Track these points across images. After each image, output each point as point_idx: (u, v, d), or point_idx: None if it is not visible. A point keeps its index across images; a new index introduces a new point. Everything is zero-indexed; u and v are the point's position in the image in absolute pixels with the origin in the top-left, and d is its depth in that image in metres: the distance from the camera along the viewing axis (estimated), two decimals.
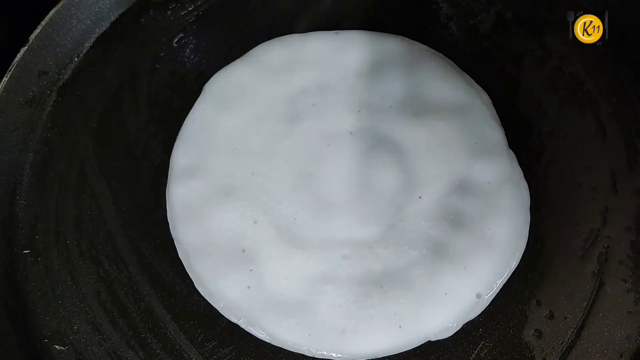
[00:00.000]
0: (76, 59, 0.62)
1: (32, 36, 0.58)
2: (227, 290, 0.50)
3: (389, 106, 0.56)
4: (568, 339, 0.49)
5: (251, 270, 0.50)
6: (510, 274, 0.50)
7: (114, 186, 0.56)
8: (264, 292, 0.50)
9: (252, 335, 0.49)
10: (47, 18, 0.59)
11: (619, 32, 0.58)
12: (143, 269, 0.53)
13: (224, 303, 0.50)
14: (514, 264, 0.51)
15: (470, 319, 0.49)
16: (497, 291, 0.50)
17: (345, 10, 0.63)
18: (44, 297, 0.52)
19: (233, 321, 0.50)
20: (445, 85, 0.57)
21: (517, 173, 0.53)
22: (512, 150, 0.55)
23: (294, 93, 0.57)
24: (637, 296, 0.50)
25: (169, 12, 0.64)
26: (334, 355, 0.48)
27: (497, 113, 0.56)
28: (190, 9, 0.64)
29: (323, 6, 0.63)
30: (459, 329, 0.49)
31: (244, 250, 0.51)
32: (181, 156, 0.56)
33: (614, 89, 0.58)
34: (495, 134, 0.55)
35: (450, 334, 0.49)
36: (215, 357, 0.50)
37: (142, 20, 0.63)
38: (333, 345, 0.48)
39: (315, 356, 0.49)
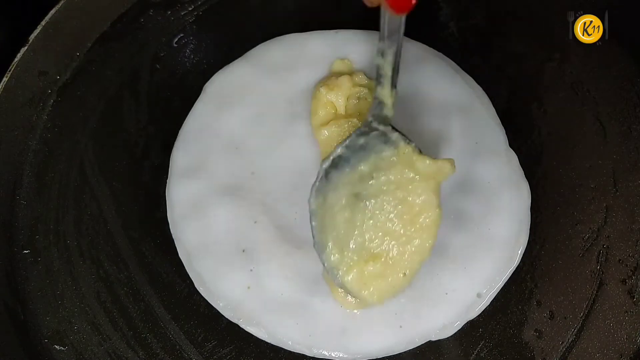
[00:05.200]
0: (76, 59, 0.62)
1: (32, 36, 0.58)
2: (227, 290, 0.50)
3: None
4: (568, 339, 0.49)
5: (251, 270, 0.50)
6: (510, 274, 0.50)
7: (114, 186, 0.56)
8: (264, 292, 0.50)
9: (252, 335, 0.49)
10: (47, 18, 0.59)
11: (619, 32, 0.58)
12: (143, 269, 0.53)
13: (223, 303, 0.50)
14: (514, 264, 0.51)
15: (471, 319, 0.49)
16: (498, 291, 0.50)
17: (345, 10, 0.63)
18: (44, 297, 0.52)
19: (233, 321, 0.50)
20: (445, 85, 0.57)
21: (518, 173, 0.53)
22: (513, 150, 0.55)
23: (294, 92, 0.57)
24: (637, 296, 0.50)
25: (169, 12, 0.64)
26: (334, 355, 0.48)
27: (497, 113, 0.56)
28: (190, 9, 0.64)
29: (323, 6, 0.63)
30: (459, 328, 0.49)
31: (244, 250, 0.51)
32: (181, 156, 0.56)
33: (614, 89, 0.58)
34: (496, 134, 0.55)
35: (451, 334, 0.49)
36: (215, 357, 0.50)
37: (142, 20, 0.63)
38: (333, 345, 0.48)
39: (316, 356, 0.49)
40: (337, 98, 0.54)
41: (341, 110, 0.54)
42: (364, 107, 0.55)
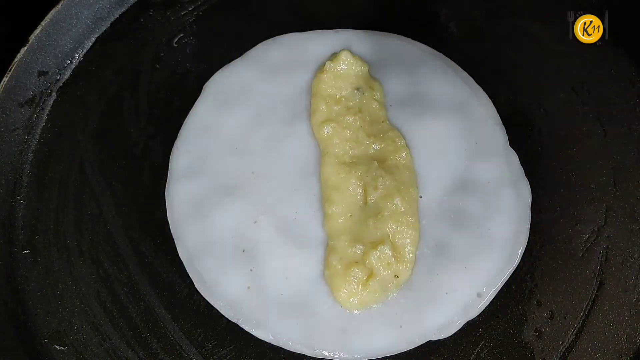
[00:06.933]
0: (76, 59, 0.62)
1: (32, 36, 0.58)
2: (227, 290, 0.50)
3: (389, 105, 0.56)
4: (568, 339, 0.49)
5: (251, 270, 0.50)
6: (510, 274, 0.50)
7: (114, 186, 0.56)
8: (264, 292, 0.50)
9: (252, 335, 0.49)
10: (47, 18, 0.59)
11: (619, 32, 0.58)
12: (143, 269, 0.53)
13: (224, 303, 0.50)
14: (514, 264, 0.51)
15: (471, 319, 0.49)
16: (498, 291, 0.50)
17: (345, 10, 0.63)
18: (44, 297, 0.52)
19: (233, 321, 0.50)
20: (446, 85, 0.57)
21: (518, 172, 0.53)
22: (513, 150, 0.55)
23: (294, 92, 0.57)
24: (637, 296, 0.50)
25: (169, 12, 0.64)
26: (334, 355, 0.48)
27: (497, 113, 0.56)
28: (190, 9, 0.64)
29: (323, 5, 0.63)
30: (459, 328, 0.49)
31: (244, 250, 0.51)
32: (181, 156, 0.56)
33: (614, 89, 0.58)
34: (496, 134, 0.55)
35: (451, 334, 0.49)
36: (215, 357, 0.50)
37: (142, 20, 0.63)
38: (334, 345, 0.48)
39: (316, 356, 0.49)
40: (338, 89, 0.54)
41: (342, 104, 0.54)
42: (365, 104, 0.55)
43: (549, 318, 0.50)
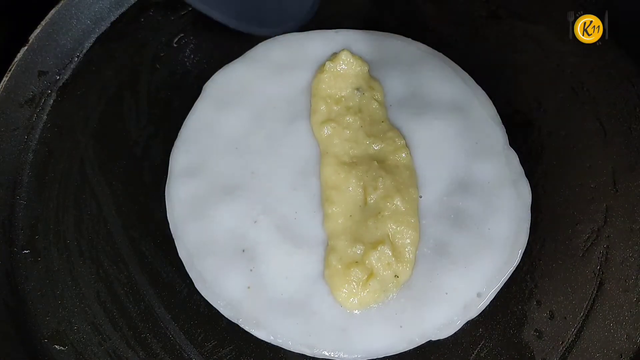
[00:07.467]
0: (76, 59, 0.62)
1: (32, 36, 0.59)
2: (227, 290, 0.50)
3: (389, 105, 0.56)
4: (568, 339, 0.49)
5: (251, 270, 0.50)
6: (510, 274, 0.50)
7: (114, 186, 0.56)
8: (264, 291, 0.50)
9: (252, 335, 0.49)
10: (47, 18, 0.59)
11: (619, 32, 0.58)
12: (143, 269, 0.53)
13: (224, 303, 0.50)
14: (514, 264, 0.51)
15: (471, 318, 0.49)
16: (498, 290, 0.50)
17: (345, 10, 0.63)
18: (44, 297, 0.52)
19: (233, 321, 0.50)
20: (445, 85, 0.57)
21: (518, 172, 0.53)
22: (513, 150, 0.55)
23: (294, 92, 0.57)
24: (637, 296, 0.50)
25: (169, 12, 0.64)
26: (334, 355, 0.48)
27: (497, 113, 0.56)
28: (190, 9, 0.64)
29: (323, 5, 0.63)
30: (459, 328, 0.49)
31: (244, 250, 0.51)
32: (181, 156, 0.56)
33: (614, 89, 0.58)
34: (496, 134, 0.55)
35: (451, 333, 0.49)
36: (215, 357, 0.50)
37: (142, 20, 0.63)
38: (334, 344, 0.48)
39: (316, 356, 0.49)
40: (338, 89, 0.54)
41: (342, 104, 0.54)
42: (365, 104, 0.55)
43: (549, 318, 0.50)
